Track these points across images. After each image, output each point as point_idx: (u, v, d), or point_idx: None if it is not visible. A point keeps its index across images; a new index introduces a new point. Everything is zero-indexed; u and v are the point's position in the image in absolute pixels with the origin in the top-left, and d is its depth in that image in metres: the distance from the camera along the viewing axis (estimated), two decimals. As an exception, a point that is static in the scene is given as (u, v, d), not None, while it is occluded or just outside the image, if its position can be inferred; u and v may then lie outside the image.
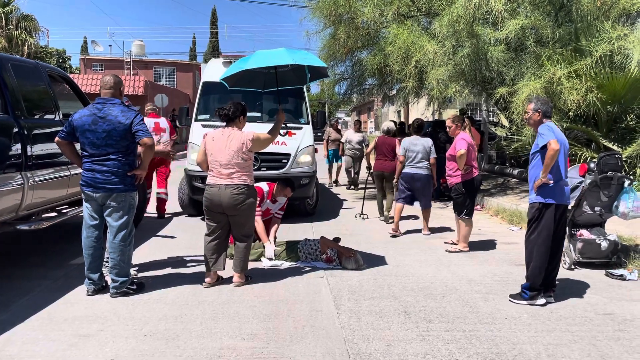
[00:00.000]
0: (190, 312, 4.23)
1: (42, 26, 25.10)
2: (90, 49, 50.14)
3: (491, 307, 4.46)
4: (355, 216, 8.91)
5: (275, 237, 6.11)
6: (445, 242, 6.87)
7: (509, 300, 4.62)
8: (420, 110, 20.38)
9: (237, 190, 4.86)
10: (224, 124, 5.08)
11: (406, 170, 7.45)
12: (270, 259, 5.76)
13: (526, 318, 4.22)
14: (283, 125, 5.48)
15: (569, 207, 5.20)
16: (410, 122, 13.07)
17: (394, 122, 10.10)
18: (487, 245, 6.87)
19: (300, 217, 8.64)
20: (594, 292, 4.90)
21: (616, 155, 5.59)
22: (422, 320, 4.13)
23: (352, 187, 12.79)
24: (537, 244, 4.54)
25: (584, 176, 5.68)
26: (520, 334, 3.90)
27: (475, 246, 6.71)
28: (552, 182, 4.44)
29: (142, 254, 6.08)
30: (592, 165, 5.62)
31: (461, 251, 6.47)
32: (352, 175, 12.85)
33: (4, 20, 23.21)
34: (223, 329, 3.88)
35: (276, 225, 6.21)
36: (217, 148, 4.94)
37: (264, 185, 6.07)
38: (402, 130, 8.86)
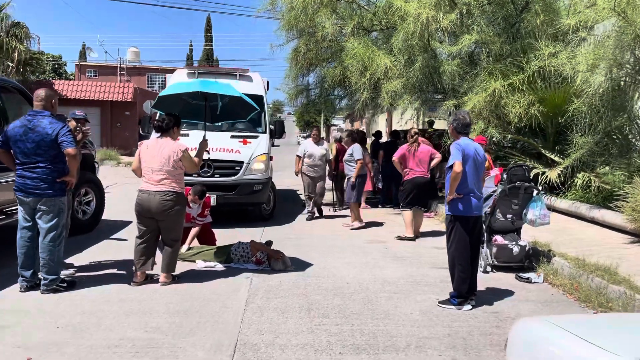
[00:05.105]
0: (109, 308, 4.61)
1: (33, 33, 25.58)
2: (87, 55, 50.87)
3: (390, 305, 4.84)
4: (329, 209, 10.49)
5: (190, 243, 6.46)
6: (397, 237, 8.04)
7: (438, 305, 4.83)
8: (404, 118, 20.84)
9: (165, 197, 5.25)
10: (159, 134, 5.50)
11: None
12: None
13: (417, 315, 4.60)
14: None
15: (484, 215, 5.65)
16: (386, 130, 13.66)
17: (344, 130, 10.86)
18: (420, 249, 7.27)
19: (255, 222, 9.02)
20: (495, 293, 5.27)
21: (523, 167, 6.01)
22: (319, 316, 4.52)
23: (319, 215, 9.98)
24: (456, 254, 4.87)
25: (497, 186, 6.09)
26: (403, 328, 4.28)
27: (408, 250, 7.14)
28: (461, 195, 4.82)
29: (89, 255, 6.48)
30: (503, 175, 6.03)
31: (406, 237, 7.81)
32: (316, 200, 9.80)
33: (-6, 28, 23.74)
34: (131, 323, 4.26)
35: (194, 230, 6.54)
36: (150, 155, 5.35)
37: None
38: (354, 139, 9.29)
